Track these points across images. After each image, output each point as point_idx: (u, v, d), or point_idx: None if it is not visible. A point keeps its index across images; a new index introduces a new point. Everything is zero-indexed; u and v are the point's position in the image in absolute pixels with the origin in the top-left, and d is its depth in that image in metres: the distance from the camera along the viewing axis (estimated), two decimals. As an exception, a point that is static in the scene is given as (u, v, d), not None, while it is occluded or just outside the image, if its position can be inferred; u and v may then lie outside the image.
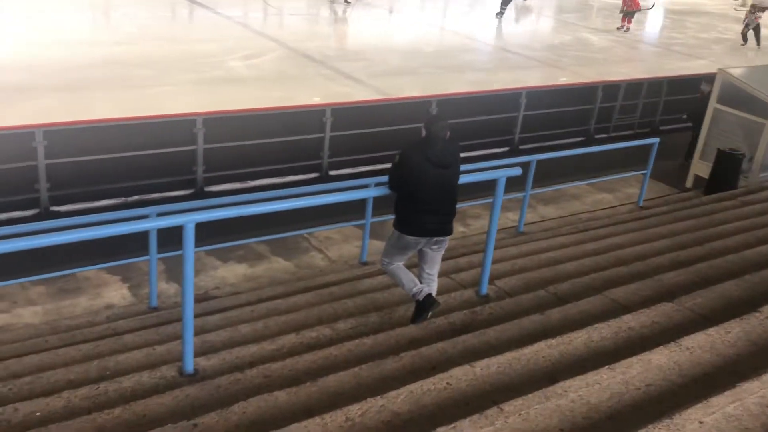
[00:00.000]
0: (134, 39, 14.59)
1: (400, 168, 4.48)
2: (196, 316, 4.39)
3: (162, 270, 6.79)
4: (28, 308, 6.49)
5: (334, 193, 5.35)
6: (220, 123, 9.31)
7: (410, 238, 4.59)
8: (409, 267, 4.86)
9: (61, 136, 8.24)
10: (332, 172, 10.08)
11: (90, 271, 7.08)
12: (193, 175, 9.19)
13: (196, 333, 4.28)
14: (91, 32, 15.51)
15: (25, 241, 3.93)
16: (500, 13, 20.64)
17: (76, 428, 3.44)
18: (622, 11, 21.13)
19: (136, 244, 6.38)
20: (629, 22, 20.99)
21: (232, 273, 7.43)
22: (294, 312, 5.36)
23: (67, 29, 15.03)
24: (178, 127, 9.06)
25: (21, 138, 8.02)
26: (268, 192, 7.64)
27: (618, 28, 20.97)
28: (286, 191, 8.08)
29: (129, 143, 8.72)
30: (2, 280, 6.54)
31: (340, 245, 8.17)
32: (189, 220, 4.01)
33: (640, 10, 21.42)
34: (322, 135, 9.98)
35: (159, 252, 6.19)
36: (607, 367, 3.56)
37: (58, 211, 8.19)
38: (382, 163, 9.24)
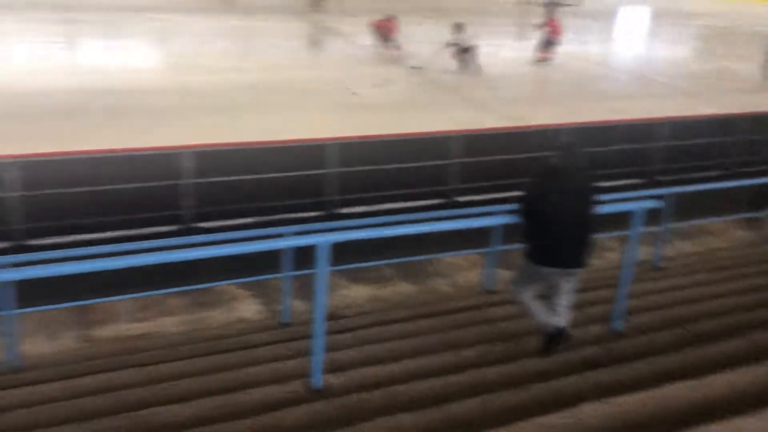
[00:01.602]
0: (276, 66, 15.29)
1: (532, 197, 4.41)
2: (325, 333, 4.49)
3: (296, 288, 7.00)
4: (169, 318, 6.88)
5: (461, 219, 5.36)
6: (351, 148, 9.54)
7: (542, 269, 4.50)
8: (539, 298, 4.75)
9: (209, 157, 8.71)
10: (459, 198, 10.07)
11: (226, 286, 7.42)
12: (326, 197, 9.46)
13: (326, 350, 4.38)
14: (237, 60, 16.41)
15: (169, 255, 4.20)
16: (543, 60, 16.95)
17: (210, 435, 3.60)
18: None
19: (269, 261, 6.63)
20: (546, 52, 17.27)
21: (359, 294, 7.56)
22: (419, 336, 5.38)
23: (215, 56, 15.98)
24: (312, 151, 9.37)
25: (171, 158, 8.55)
26: (396, 216, 7.74)
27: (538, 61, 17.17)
28: (413, 216, 8.15)
29: (267, 165, 9.09)
30: (146, 290, 6.99)
31: (465, 272, 8.12)
32: (323, 241, 4.14)
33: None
34: (450, 161, 10.01)
35: (294, 270, 6.40)
36: (750, 414, 3.31)
37: (200, 227, 8.65)
38: (511, 190, 9.13)
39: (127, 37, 17.59)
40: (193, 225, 8.66)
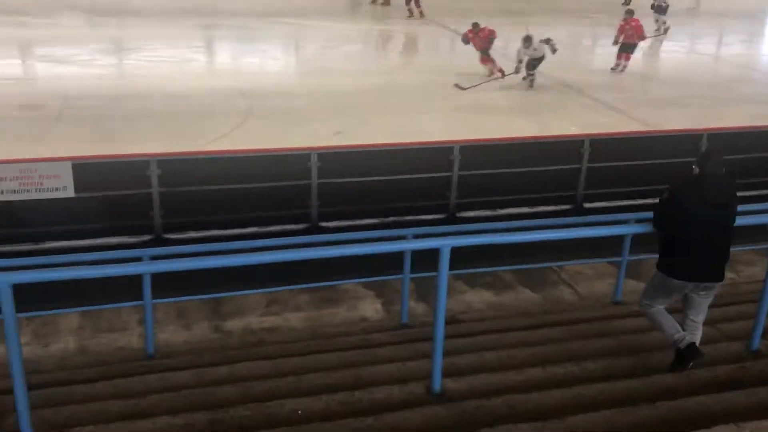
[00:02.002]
0: (399, 69, 15.47)
1: (668, 206, 4.22)
2: (445, 337, 4.49)
3: (413, 289, 7.06)
4: (295, 313, 7.11)
5: (589, 227, 5.20)
6: (473, 151, 9.49)
7: (676, 282, 4.29)
8: (670, 311, 4.54)
9: (332, 158, 8.93)
10: (587, 205, 9.78)
11: (349, 285, 7.58)
12: (446, 200, 9.46)
13: (444, 354, 4.38)
14: (361, 63, 16.73)
15: (296, 253, 4.34)
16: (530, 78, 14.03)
17: (333, 430, 3.69)
18: (617, 42, 15.62)
19: (391, 262, 6.71)
20: (627, 58, 15.59)
21: (479, 299, 7.51)
22: (540, 345, 5.28)
23: (343, 60, 16.36)
24: (434, 153, 9.39)
25: (300, 159, 8.84)
26: (519, 221, 7.63)
27: (613, 69, 15.62)
28: (537, 222, 8.00)
29: (389, 166, 9.21)
30: (275, 285, 7.26)
31: (591, 281, 7.89)
32: (445, 244, 4.13)
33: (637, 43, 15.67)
34: (577, 166, 9.75)
35: (411, 272, 6.45)
36: None
37: (325, 227, 8.89)
38: (644, 198, 8.77)
39: (262, 41, 18.33)
40: (320, 224, 8.91)
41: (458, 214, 9.45)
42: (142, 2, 21.16)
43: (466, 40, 14.66)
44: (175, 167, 8.39)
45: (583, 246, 6.95)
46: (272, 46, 18.14)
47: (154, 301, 5.97)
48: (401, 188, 9.25)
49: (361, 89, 13.40)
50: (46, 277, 3.59)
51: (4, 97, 11.99)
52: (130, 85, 13.35)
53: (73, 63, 14.86)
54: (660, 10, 20.24)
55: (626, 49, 15.57)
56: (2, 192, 7.70)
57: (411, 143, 9.54)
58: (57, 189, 7.86)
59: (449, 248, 4.11)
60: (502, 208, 9.54)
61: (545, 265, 7.84)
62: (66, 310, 6.65)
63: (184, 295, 6.93)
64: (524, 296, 7.67)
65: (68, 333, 6.55)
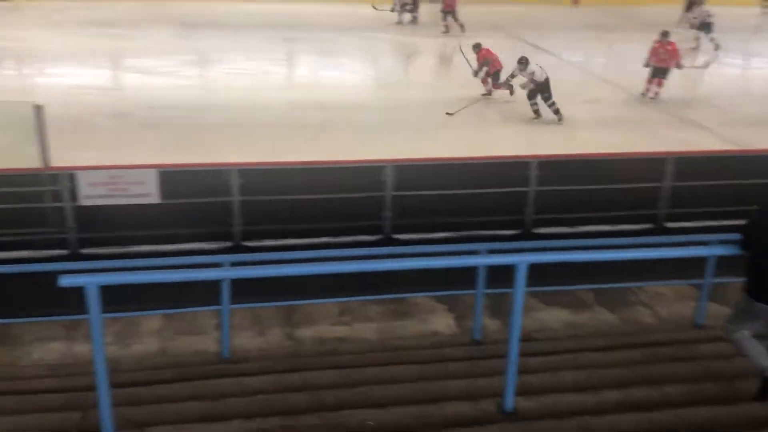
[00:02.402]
0: (475, 82, 15.38)
1: (759, 228, 4.05)
2: (519, 355, 4.42)
3: (486, 305, 6.98)
4: (367, 324, 7.15)
5: (671, 248, 5.04)
6: (553, 165, 9.35)
7: (763, 306, 4.11)
8: (758, 338, 4.34)
9: (406, 170, 8.96)
10: (669, 225, 9.48)
11: (421, 298, 7.57)
12: (522, 215, 9.33)
13: (518, 372, 4.31)
14: (437, 78, 16.75)
15: (370, 264, 4.36)
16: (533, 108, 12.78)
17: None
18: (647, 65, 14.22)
19: (464, 276, 6.66)
20: (659, 84, 14.10)
21: (554, 317, 7.36)
22: (618, 367, 5.13)
23: (416, 73, 16.42)
24: (511, 168, 9.29)
25: (372, 171, 8.90)
26: (598, 240, 7.45)
27: (643, 95, 14.24)
28: (616, 240, 7.79)
29: (464, 180, 9.17)
30: (347, 295, 7.33)
31: (671, 303, 7.63)
32: (522, 261, 4.07)
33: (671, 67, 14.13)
34: (659, 184, 9.47)
35: (485, 287, 6.38)
36: None
37: (398, 239, 8.91)
38: (730, 219, 8.44)
39: (341, 54, 18.60)
40: (393, 236, 8.93)
41: (534, 230, 9.31)
42: (227, 16, 21.79)
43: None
44: (255, 176, 8.58)
45: (665, 267, 6.73)
46: (350, 59, 18.37)
47: (232, 306, 6.10)
48: (476, 202, 9.19)
49: (436, 102, 13.40)
50: (131, 279, 3.72)
51: (95, 106, 12.55)
52: (213, 96, 13.76)
53: (160, 74, 15.43)
54: (705, 27, 18.87)
55: (658, 73, 14.13)
56: (92, 197, 8.04)
57: (487, 157, 9.48)
58: (143, 195, 8.15)
59: (526, 265, 4.06)
60: (580, 225, 9.34)
61: (624, 285, 7.63)
62: (148, 312, 6.87)
63: (259, 302, 7.07)
64: (602, 316, 7.47)
65: (149, 335, 6.77)
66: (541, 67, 12.69)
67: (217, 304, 6.03)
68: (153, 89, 14.02)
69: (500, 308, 7.06)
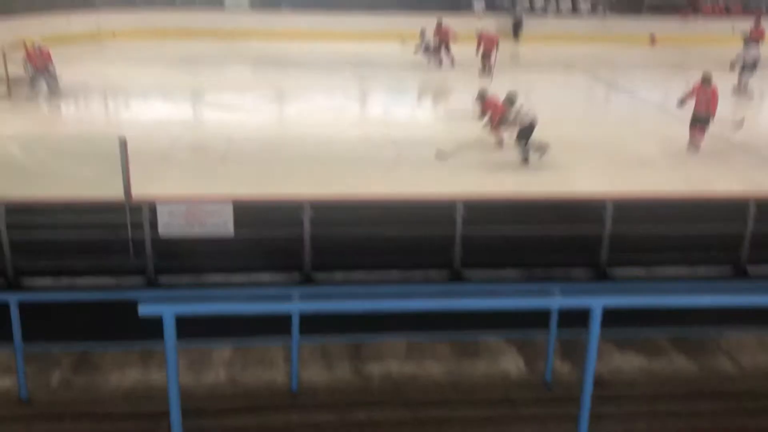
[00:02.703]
0: (551, 121, 15.26)
1: None
2: (592, 401, 4.29)
3: (558, 347, 6.81)
4: (435, 363, 7.06)
5: (755, 294, 4.83)
6: (629, 205, 9.13)
7: None
8: None
9: (480, 206, 8.91)
10: (751, 269, 9.08)
11: (490, 338, 7.44)
12: (597, 256, 9.11)
13: (591, 419, 4.18)
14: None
15: (438, 302, 4.32)
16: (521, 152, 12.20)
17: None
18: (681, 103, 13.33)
19: (536, 317, 6.53)
20: (701, 131, 12.95)
21: (628, 363, 7.10)
22: (696, 417, 4.93)
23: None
24: (586, 207, 9.12)
25: (442, 207, 8.88)
26: (676, 283, 7.21)
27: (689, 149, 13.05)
28: (695, 284, 7.53)
29: (537, 218, 9.04)
30: (415, 332, 7.27)
31: (755, 353, 7.26)
32: (597, 303, 3.98)
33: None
34: (741, 228, 9.10)
35: (557, 328, 6.23)
36: None
37: (467, 276, 8.83)
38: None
39: (414, 91, 18.80)
40: (463, 273, 8.86)
41: (609, 271, 9.08)
42: (304, 54, 22.37)
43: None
44: (327, 210, 8.68)
45: (747, 313, 6.43)
46: (423, 96, 18.53)
47: (301, 340, 6.14)
48: (549, 240, 9.04)
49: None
50: (206, 310, 3.80)
51: (176, 139, 13.01)
52: (288, 131, 14.08)
53: (239, 109, 15.91)
54: (749, 69, 17.94)
55: (699, 121, 12.98)
56: (170, 228, 8.28)
57: (557, 195, 9.34)
58: (218, 226, 8.35)
59: (601, 307, 3.96)
60: (657, 266, 9.06)
61: (703, 331, 7.32)
62: (218, 344, 6.98)
63: (327, 335, 7.09)
64: (679, 364, 7.17)
65: (220, 365, 6.86)
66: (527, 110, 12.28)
67: (287, 336, 6.08)
68: (231, 124, 14.46)
69: (573, 351, 6.87)
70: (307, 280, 8.67)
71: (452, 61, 21.19)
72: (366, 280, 8.53)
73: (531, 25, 27.29)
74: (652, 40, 27.54)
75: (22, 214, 8.33)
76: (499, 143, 12.89)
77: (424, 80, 20.15)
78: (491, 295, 6.31)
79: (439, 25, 21.29)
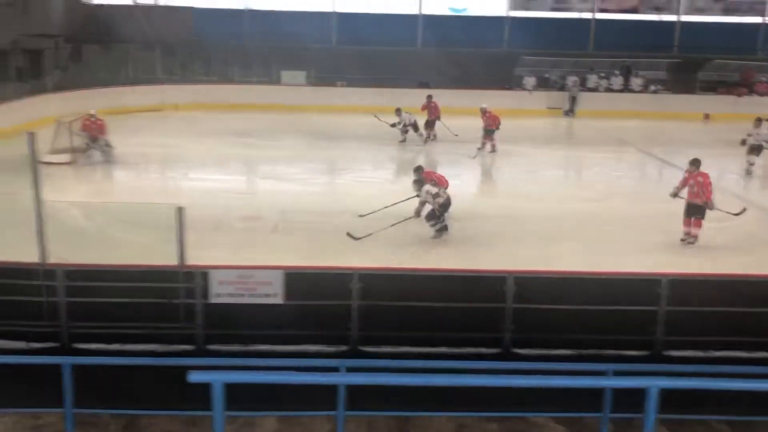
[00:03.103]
0: (604, 196, 15.16)
1: None
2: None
3: (611, 429, 6.58)
4: (481, 442, 6.89)
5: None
6: (684, 285, 8.90)
7: None
8: None
9: (530, 282, 8.80)
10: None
11: (540, 417, 7.23)
12: (651, 336, 8.86)
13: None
14: (563, 188, 16.66)
15: (486, 379, 4.24)
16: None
17: None
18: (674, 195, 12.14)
19: (588, 397, 6.34)
20: (697, 225, 11.75)
21: (686, 449, 6.81)
22: None
23: (545, 185, 16.40)
24: (642, 285, 8.92)
25: (492, 281, 8.80)
26: (734, 366, 6.94)
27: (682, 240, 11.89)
28: (754, 369, 7.23)
29: (588, 296, 8.87)
30: (463, 409, 7.11)
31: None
32: (654, 385, 3.85)
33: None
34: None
35: (611, 411, 6.04)
36: None
37: (517, 353, 8.66)
38: None
39: (463, 164, 18.96)
40: (513, 350, 8.69)
41: (665, 353, 8.79)
42: (355, 128, 22.85)
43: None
44: (375, 281, 8.69)
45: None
46: (472, 168, 18.65)
47: (347, 413, 6.07)
48: (602, 319, 8.84)
49: (563, 215, 13.27)
50: (255, 379, 3.80)
51: (230, 209, 13.31)
52: (339, 202, 14.27)
53: (291, 180, 16.25)
54: (756, 150, 17.30)
55: (694, 212, 11.72)
56: (221, 295, 8.39)
57: (613, 272, 9.17)
58: (269, 295, 8.42)
59: (657, 389, 3.82)
60: (715, 349, 8.75)
61: (764, 418, 6.98)
62: (265, 413, 6.95)
63: (373, 408, 6.99)
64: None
65: (265, 435, 6.82)
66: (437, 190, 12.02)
67: (333, 408, 6.02)
68: (284, 194, 14.75)
69: (627, 433, 6.63)
70: (354, 353, 8.61)
71: (431, 137, 21.13)
72: (414, 354, 8.43)
73: (584, 100, 27.45)
74: (706, 117, 27.39)
75: (79, 278, 8.55)
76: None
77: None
78: (543, 373, 6.19)
79: (429, 100, 21.39)
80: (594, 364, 7.02)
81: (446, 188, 12.31)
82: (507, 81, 29.27)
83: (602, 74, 28.96)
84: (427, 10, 34.89)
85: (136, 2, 34.94)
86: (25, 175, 7.78)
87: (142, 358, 7.39)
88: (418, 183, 12.06)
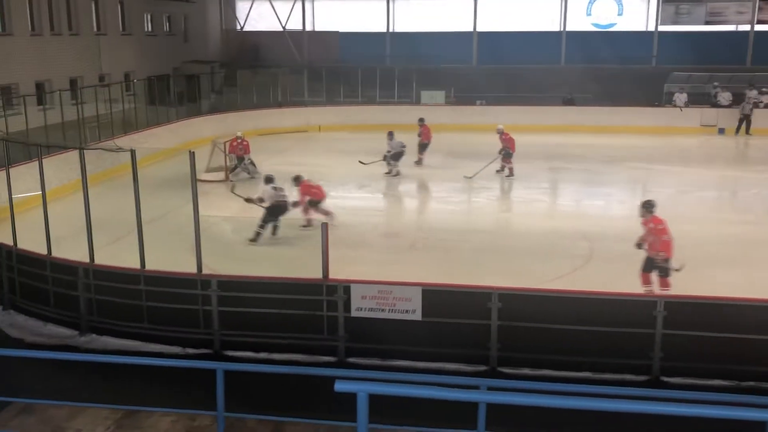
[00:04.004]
0: (764, 219, 14.13)
1: None
2: None
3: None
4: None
5: None
6: None
7: None
8: None
9: (681, 307, 8.32)
10: None
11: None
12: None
13: None
14: (718, 210, 15.68)
15: (630, 404, 4.00)
16: None
17: None
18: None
19: (744, 429, 5.88)
20: (664, 284, 9.35)
21: None
22: None
23: (696, 207, 15.52)
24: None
25: (639, 305, 8.40)
26: None
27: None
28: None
29: (748, 323, 8.26)
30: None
31: None
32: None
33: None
34: None
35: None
36: None
37: (668, 382, 8.21)
38: None
39: (609, 184, 18.28)
40: (662, 378, 8.25)
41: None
42: (491, 146, 22.67)
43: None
44: (515, 301, 8.55)
45: None
46: (618, 189, 17.97)
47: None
48: (761, 348, 8.21)
49: (716, 238, 12.49)
50: (399, 391, 3.82)
51: (372, 226, 13.58)
52: (477, 221, 14.19)
53: (431, 199, 16.35)
54: None
55: (652, 267, 9.63)
56: (362, 309, 8.56)
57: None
58: (407, 311, 8.50)
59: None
60: None
61: None
62: (404, 427, 6.97)
63: (511, 430, 6.84)
64: None
65: (402, 450, 6.84)
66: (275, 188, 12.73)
67: (470, 428, 5.94)
68: (422, 213, 14.87)
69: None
70: (493, 374, 8.49)
71: (418, 161, 19.87)
72: (555, 377, 8.20)
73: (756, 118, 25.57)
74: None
75: (231, 289, 9.02)
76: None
77: (632, 173, 19.57)
78: (695, 402, 5.80)
79: (421, 123, 20.07)
80: (755, 397, 6.50)
81: (321, 199, 13.36)
82: (656, 98, 28.01)
83: (764, 89, 26.97)
84: (571, 27, 34.22)
85: (285, 28, 36.76)
86: (182, 191, 8.28)
87: (288, 367, 7.66)
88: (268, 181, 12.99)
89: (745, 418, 3.97)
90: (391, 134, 18.96)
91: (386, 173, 18.60)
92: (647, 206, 9.88)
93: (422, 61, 31.06)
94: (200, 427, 6.29)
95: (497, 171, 18.24)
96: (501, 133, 18.26)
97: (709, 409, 3.99)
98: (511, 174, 18.21)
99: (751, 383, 8.05)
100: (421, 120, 20.36)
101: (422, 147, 20.00)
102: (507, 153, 18.04)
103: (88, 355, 8.62)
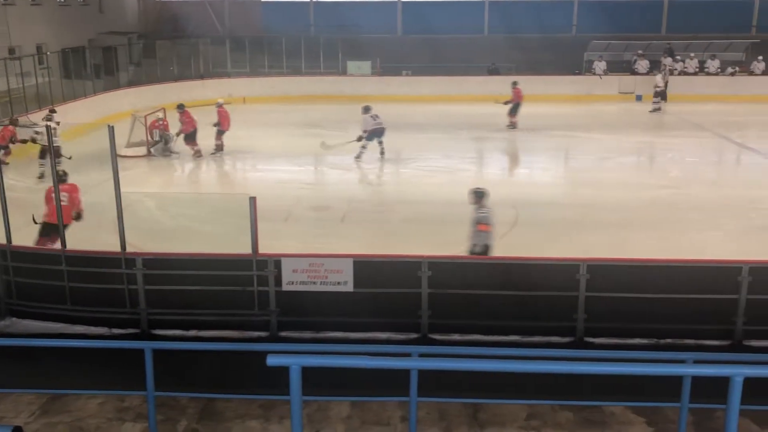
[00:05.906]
0: (680, 183, 14.71)
1: None
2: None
3: (690, 420, 6.39)
4: (557, 431, 6.79)
5: None
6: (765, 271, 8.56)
7: None
8: None
9: (603, 270, 8.62)
10: None
11: (617, 407, 7.08)
12: (732, 325, 8.56)
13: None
14: (637, 175, 16.23)
15: (558, 365, 4.15)
16: None
17: None
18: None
19: (666, 388, 6.17)
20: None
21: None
22: None
23: (617, 172, 16.02)
24: (721, 273, 8.63)
25: (564, 269, 8.66)
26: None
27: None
28: None
29: (665, 284, 8.63)
30: (535, 398, 7.03)
31: None
32: (738, 373, 3.70)
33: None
34: None
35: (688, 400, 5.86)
36: None
37: (591, 342, 8.51)
38: None
39: (531, 152, 18.64)
40: (586, 339, 8.55)
41: (746, 342, 8.49)
42: (422, 117, 22.78)
43: None
44: (444, 269, 8.67)
45: None
46: (541, 157, 18.36)
47: (419, 399, 6.08)
48: (678, 308, 8.59)
49: (636, 202, 12.94)
50: (331, 363, 3.84)
51: (301, 199, 13.48)
52: (405, 192, 14.27)
53: (358, 170, 16.32)
54: None
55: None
56: (293, 283, 8.52)
57: (690, 260, 8.90)
58: (339, 283, 8.51)
59: (742, 378, 3.68)
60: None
61: None
62: (339, 398, 7.03)
63: (444, 395, 6.98)
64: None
65: (338, 421, 6.88)
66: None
67: (405, 394, 6.03)
68: (351, 185, 14.84)
69: (706, 425, 6.43)
70: (425, 341, 8.62)
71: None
72: (484, 342, 8.38)
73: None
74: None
75: (157, 266, 8.82)
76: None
77: (554, 141, 19.99)
78: (619, 360, 6.05)
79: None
80: (672, 353, 6.83)
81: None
82: (577, 66, 28.65)
83: (678, 57, 27.93)
84: (494, -4, 34.51)
85: (205, -2, 35.78)
86: (101, 168, 8.01)
87: (219, 344, 7.58)
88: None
89: (664, 374, 4.19)
90: (366, 109, 17.19)
91: (356, 158, 16.58)
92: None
93: (347, 31, 30.77)
94: (130, 408, 6.18)
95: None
96: (219, 106, 18.39)
97: (631, 367, 4.18)
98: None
99: (669, 341, 8.44)
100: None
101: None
102: (219, 131, 17.99)
103: (7, 340, 8.30)
